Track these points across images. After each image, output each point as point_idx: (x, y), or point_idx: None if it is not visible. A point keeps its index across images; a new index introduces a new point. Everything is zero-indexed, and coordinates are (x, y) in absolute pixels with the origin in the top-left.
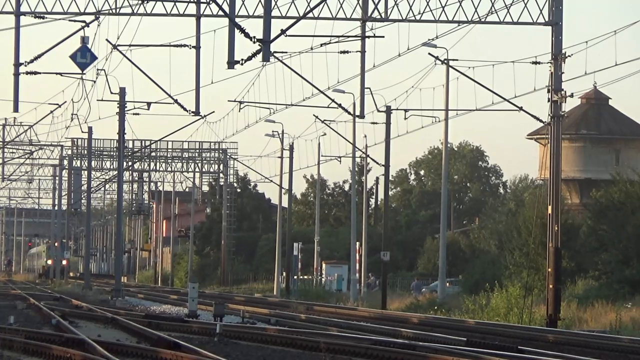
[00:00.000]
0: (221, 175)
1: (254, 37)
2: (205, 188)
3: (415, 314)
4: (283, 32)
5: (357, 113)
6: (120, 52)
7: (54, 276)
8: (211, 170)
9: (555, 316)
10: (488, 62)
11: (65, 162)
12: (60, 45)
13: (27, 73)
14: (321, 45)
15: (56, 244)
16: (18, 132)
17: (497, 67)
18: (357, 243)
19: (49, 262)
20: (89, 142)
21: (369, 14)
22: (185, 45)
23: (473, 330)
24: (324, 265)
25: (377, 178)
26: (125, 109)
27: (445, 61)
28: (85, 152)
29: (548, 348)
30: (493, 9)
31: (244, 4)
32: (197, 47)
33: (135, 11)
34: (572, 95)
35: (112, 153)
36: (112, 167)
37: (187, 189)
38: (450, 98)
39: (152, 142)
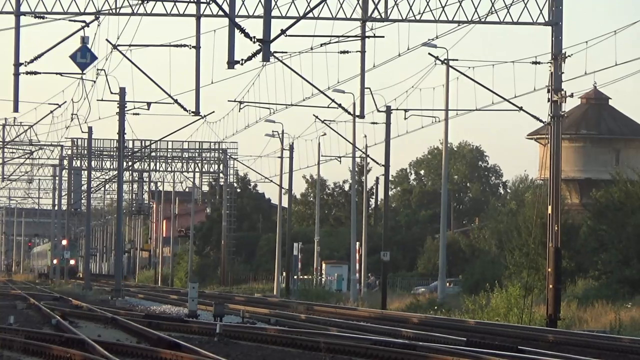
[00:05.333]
0: (221, 175)
1: (254, 37)
2: (205, 188)
3: (415, 314)
4: (283, 32)
5: (357, 113)
6: (120, 52)
7: (53, 276)
8: (211, 170)
9: (555, 316)
10: (488, 62)
11: (65, 162)
12: (60, 45)
13: (27, 73)
14: (321, 45)
15: (65, 242)
16: (18, 132)
17: (497, 67)
18: (357, 243)
19: (55, 261)
20: (89, 142)
21: (369, 14)
22: (185, 45)
23: (473, 330)
24: (324, 265)
25: (377, 178)
26: (125, 109)
27: (445, 61)
28: (85, 152)
29: (548, 348)
30: (493, 9)
31: (244, 4)
32: (197, 47)
33: (135, 11)
34: (572, 95)
35: (112, 153)
36: (112, 167)
37: (187, 189)
38: (450, 98)
39: (152, 142)
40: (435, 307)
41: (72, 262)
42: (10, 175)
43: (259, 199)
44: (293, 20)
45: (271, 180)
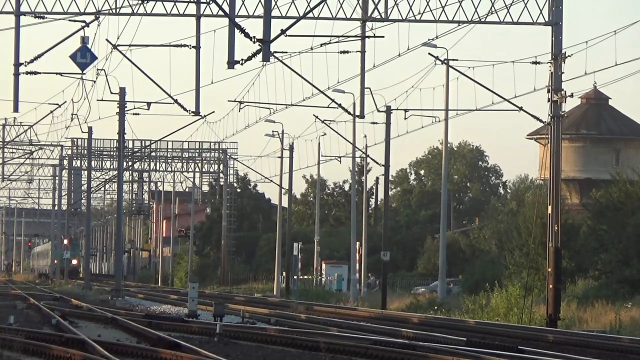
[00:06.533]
0: (221, 175)
1: (254, 37)
2: (205, 188)
3: (415, 314)
4: (283, 32)
5: (357, 113)
6: (120, 52)
7: (53, 276)
8: (211, 170)
9: (555, 316)
10: (488, 62)
11: (65, 162)
12: (60, 45)
13: (27, 73)
14: (321, 45)
15: (66, 242)
16: (18, 132)
17: (497, 67)
18: (357, 243)
19: (56, 261)
20: (89, 142)
21: (369, 14)
22: (185, 45)
23: (473, 330)
24: (324, 265)
25: (377, 178)
26: (125, 109)
27: (445, 61)
28: (85, 152)
29: (548, 348)
30: (493, 9)
31: (244, 4)
32: (197, 47)
33: (135, 11)
34: (572, 95)
35: (112, 153)
36: (112, 167)
37: (187, 189)
38: (450, 98)
39: (152, 142)
40: (435, 307)
41: (74, 261)
42: (10, 175)
43: (259, 199)
44: (293, 20)
45: (271, 180)
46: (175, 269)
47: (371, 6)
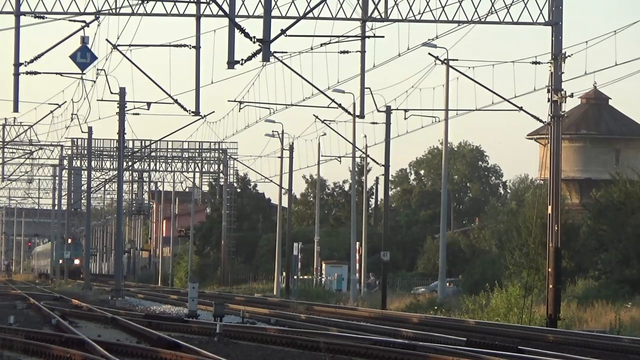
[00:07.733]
0: (221, 175)
1: (254, 37)
2: (205, 188)
3: (415, 314)
4: (283, 32)
5: (357, 113)
6: (120, 52)
7: (53, 276)
8: (211, 170)
9: (555, 316)
10: (488, 62)
11: (65, 162)
12: (60, 45)
13: (27, 73)
14: (321, 45)
15: (69, 241)
16: (18, 132)
17: (497, 67)
18: (357, 243)
19: (61, 261)
20: (89, 142)
21: (369, 14)
22: (185, 45)
23: (473, 330)
24: (324, 265)
25: (377, 178)
26: (125, 109)
27: (445, 61)
28: (85, 152)
29: (548, 348)
30: (493, 9)
31: (244, 4)
32: (197, 47)
33: (135, 11)
34: (572, 95)
35: (112, 153)
36: (112, 167)
37: (187, 189)
38: (450, 98)
39: (152, 142)
40: (435, 307)
41: (76, 261)
42: (10, 175)
43: (259, 199)
44: (293, 20)
45: (271, 180)
46: (175, 269)
47: (371, 6)
